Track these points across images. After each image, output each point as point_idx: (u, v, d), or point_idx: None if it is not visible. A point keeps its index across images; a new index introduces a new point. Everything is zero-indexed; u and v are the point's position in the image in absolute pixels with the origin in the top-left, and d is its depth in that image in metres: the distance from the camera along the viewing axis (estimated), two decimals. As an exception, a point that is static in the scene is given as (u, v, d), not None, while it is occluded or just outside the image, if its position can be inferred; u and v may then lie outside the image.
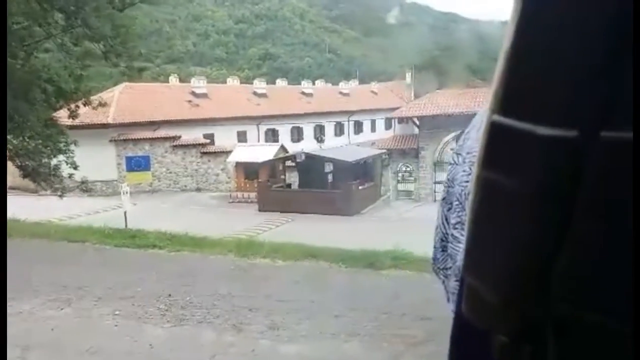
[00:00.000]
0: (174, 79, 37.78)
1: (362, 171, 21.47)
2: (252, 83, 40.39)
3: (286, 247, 7.74)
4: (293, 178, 22.73)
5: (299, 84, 44.05)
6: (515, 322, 0.38)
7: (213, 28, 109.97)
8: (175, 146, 28.10)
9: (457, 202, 0.66)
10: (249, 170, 23.02)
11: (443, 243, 0.73)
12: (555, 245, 0.35)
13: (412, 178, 27.21)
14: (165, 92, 34.64)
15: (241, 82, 41.10)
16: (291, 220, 18.93)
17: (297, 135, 38.21)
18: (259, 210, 20.93)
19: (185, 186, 28.19)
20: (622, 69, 0.33)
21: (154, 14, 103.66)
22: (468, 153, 0.66)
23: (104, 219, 13.12)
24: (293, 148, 34.60)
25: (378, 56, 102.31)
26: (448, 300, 0.70)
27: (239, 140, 33.43)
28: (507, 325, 0.39)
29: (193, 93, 35.43)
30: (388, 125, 40.80)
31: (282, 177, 21.75)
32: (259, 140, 34.84)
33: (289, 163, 22.31)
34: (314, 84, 45.46)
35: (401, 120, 27.30)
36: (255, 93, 38.31)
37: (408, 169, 27.62)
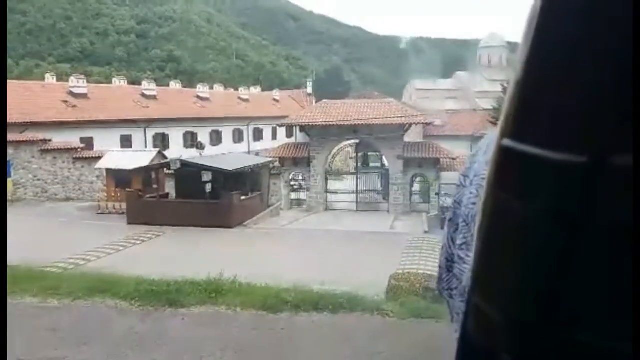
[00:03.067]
0: (50, 78, 34.02)
1: (246, 180, 20.03)
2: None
3: (80, 279, 6.12)
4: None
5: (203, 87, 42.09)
6: (521, 343, 0.38)
7: (113, 27, 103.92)
8: (44, 150, 24.91)
9: (463, 224, 0.67)
10: (120, 179, 20.72)
11: (448, 263, 0.70)
12: (563, 268, 0.35)
13: (304, 187, 26.31)
14: (38, 91, 31.01)
15: (136, 84, 38.18)
16: (160, 235, 17.03)
17: (190, 140, 36.00)
18: (128, 223, 18.77)
19: (55, 195, 25.08)
20: (630, 97, 0.34)
21: (48, 8, 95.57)
22: (475, 176, 0.66)
23: None
24: (186, 154, 32.63)
25: (286, 64, 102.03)
26: (452, 320, 0.69)
27: (123, 146, 30.74)
28: (512, 345, 0.38)
29: (71, 93, 32.09)
30: (290, 133, 39.91)
31: (155, 186, 19.72)
32: (146, 146, 32.25)
33: (170, 171, 20.31)
34: (211, 88, 43.42)
35: (302, 128, 26.30)
36: (143, 95, 35.60)
37: (300, 178, 26.67)
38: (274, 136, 42.52)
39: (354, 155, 38.82)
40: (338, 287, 11.74)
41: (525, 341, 0.37)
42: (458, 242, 0.68)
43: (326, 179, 29.39)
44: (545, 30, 0.37)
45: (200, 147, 21.06)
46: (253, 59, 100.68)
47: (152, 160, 20.80)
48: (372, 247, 15.93)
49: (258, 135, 41.83)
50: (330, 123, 23.95)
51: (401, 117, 23.56)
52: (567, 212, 0.35)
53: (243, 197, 19.25)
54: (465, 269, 0.62)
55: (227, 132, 39.52)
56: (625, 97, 0.34)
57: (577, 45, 0.35)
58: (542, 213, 0.36)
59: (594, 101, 0.35)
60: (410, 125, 24.70)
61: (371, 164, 37.70)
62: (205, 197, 18.22)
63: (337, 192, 26.97)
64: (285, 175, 25.67)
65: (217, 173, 18.27)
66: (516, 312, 0.37)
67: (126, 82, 37.55)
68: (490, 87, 46.95)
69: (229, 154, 22.38)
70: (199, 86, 40.33)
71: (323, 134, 24.84)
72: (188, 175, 18.49)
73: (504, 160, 0.39)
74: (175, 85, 40.39)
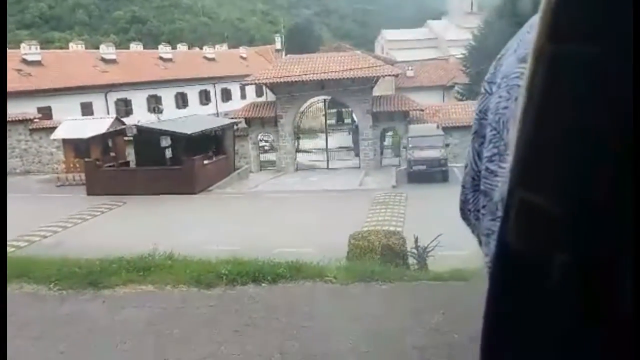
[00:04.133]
0: (1, 44, 32.09)
1: (210, 144, 19.40)
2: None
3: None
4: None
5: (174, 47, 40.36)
6: (585, 238, 0.34)
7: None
8: (-4, 123, 23.67)
9: (493, 132, 0.60)
10: (78, 148, 19.87)
11: (475, 182, 0.66)
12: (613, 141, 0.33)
13: (272, 148, 25.76)
14: (-13, 59, 29.29)
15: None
16: (120, 205, 16.49)
17: (155, 104, 34.78)
18: (88, 194, 18.13)
19: (14, 169, 24.08)
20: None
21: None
22: (504, 77, 0.60)
23: None
24: (152, 118, 31.57)
25: (255, 20, 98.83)
26: (480, 243, 0.64)
27: (84, 113, 29.51)
28: (574, 242, 0.35)
29: (24, 61, 30.42)
30: (260, 92, 38.83)
31: (113, 154, 18.97)
32: (107, 112, 31.04)
33: (129, 138, 19.51)
34: (174, 48, 41.77)
35: (269, 86, 25.40)
36: (103, 59, 34.01)
37: (268, 138, 26.06)
38: (243, 96, 41.36)
39: (327, 112, 38.36)
40: (298, 251, 11.52)
41: (590, 235, 0.34)
42: (487, 154, 0.59)
43: (298, 138, 28.86)
44: None
45: (157, 110, 20.20)
46: (220, 16, 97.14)
47: (110, 127, 19.93)
48: (339, 205, 15.67)
49: (226, 95, 40.64)
50: (295, 79, 23.16)
51: (368, 69, 22.88)
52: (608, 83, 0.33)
53: (206, 161, 18.68)
54: (498, 181, 0.55)
55: (193, 93, 38.28)
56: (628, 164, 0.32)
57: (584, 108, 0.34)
58: (596, 99, 0.34)
59: (598, 158, 0.34)
60: (379, 78, 24.07)
61: (345, 120, 37.12)
62: (166, 163, 17.59)
63: (307, 151, 26.49)
64: (252, 137, 25.00)
65: (177, 137, 17.59)
66: (582, 199, 0.34)
67: (84, 46, 35.76)
68: (462, 34, 46.07)
69: (189, 117, 21.57)
70: (160, 47, 38.65)
71: (289, 91, 24.06)
72: (146, 141, 17.78)
73: (548, 63, 0.37)
74: (136, 47, 38.66)
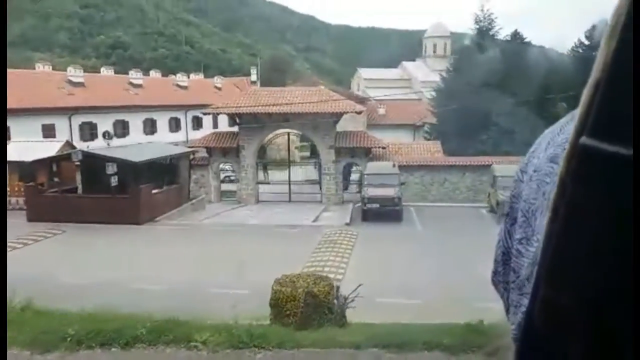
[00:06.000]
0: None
1: (162, 172, 18.81)
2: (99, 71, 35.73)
3: None
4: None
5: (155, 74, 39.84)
6: (593, 329, 0.39)
7: (54, 11, 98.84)
8: (-54, 141, 22.79)
9: (523, 218, 0.68)
10: (25, 172, 19.09)
11: (504, 257, 0.74)
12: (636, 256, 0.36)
13: (234, 178, 25.26)
14: (-53, 76, 28.47)
15: (86, 72, 35.84)
16: (58, 234, 15.75)
17: (121, 129, 34.16)
18: (28, 220, 17.31)
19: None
20: None
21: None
22: (535, 171, 0.67)
23: None
24: (117, 143, 30.92)
25: (238, 52, 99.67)
26: (507, 313, 0.71)
27: (45, 135, 28.72)
28: (584, 331, 0.39)
29: (-14, 79, 29.68)
30: (233, 122, 38.51)
31: (57, 179, 18.23)
32: (71, 135, 30.28)
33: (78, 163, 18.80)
34: (147, 74, 41.44)
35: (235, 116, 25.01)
36: (70, 82, 33.43)
37: (230, 168, 25.59)
38: (215, 125, 40.97)
39: (299, 144, 38.03)
40: (231, 292, 10.93)
41: (598, 326, 0.38)
42: (517, 236, 0.68)
43: (265, 169, 28.45)
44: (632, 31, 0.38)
45: (108, 137, 19.61)
46: (203, 46, 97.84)
47: (60, 151, 19.25)
48: (287, 242, 15.14)
49: (197, 123, 40.21)
50: (258, 111, 22.92)
51: (326, 104, 22.79)
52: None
53: (156, 191, 18.05)
54: (524, 262, 0.63)
55: (162, 120, 37.82)
56: None
57: None
58: (622, 209, 0.37)
59: None
60: (342, 113, 23.97)
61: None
62: (111, 191, 16.91)
63: (269, 183, 26.05)
64: (214, 166, 24.52)
65: (124, 165, 16.97)
66: (590, 298, 0.38)
67: (51, 67, 35.17)
68: (433, 76, 46.86)
69: (142, 144, 21.04)
70: (131, 72, 38.26)
71: (253, 122, 23.79)
72: (92, 167, 17.16)
73: (581, 155, 0.40)
74: (106, 72, 38.21)
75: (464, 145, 29.49)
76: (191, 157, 21.69)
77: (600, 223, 0.38)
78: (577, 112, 0.42)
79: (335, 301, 9.03)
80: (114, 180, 16.79)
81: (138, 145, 20.44)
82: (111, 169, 16.58)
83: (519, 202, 0.71)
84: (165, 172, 19.18)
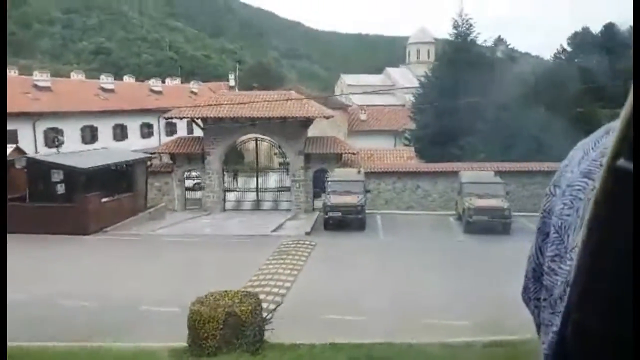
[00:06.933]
0: None
1: (115, 180, 17.81)
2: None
3: None
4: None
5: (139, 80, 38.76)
6: (625, 356, 0.39)
7: (35, 17, 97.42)
8: None
9: (555, 235, 0.67)
10: (-31, 179, 17.97)
11: (536, 273, 0.73)
12: None
13: (199, 185, 24.27)
14: None
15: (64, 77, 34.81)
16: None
17: (90, 135, 33.06)
18: (-34, 231, 16.17)
19: None
20: None
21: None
22: (569, 186, 0.67)
23: None
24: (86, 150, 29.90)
25: (222, 57, 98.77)
26: (538, 329, 0.71)
27: (8, 142, 27.65)
28: (616, 357, 0.40)
29: (-55, 82, 28.53)
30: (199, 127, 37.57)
31: (-2, 187, 17.13)
32: (35, 141, 29.20)
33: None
34: (121, 79, 40.44)
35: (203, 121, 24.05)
36: (35, 86, 32.30)
37: (194, 175, 24.60)
38: (190, 130, 40.01)
39: (278, 150, 37.13)
40: (164, 310, 10.01)
41: (627, 352, 0.39)
42: (549, 253, 0.65)
43: (235, 175, 27.48)
44: None
45: (57, 142, 18.61)
46: (187, 51, 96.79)
47: (10, 157, 18.16)
48: (238, 254, 14.21)
49: (171, 129, 39.18)
50: (221, 114, 22.02)
51: (292, 108, 21.98)
52: None
53: (106, 199, 17.04)
54: (557, 280, 0.61)
55: (134, 126, 36.74)
56: None
57: None
58: None
59: None
60: (311, 119, 23.15)
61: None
62: (57, 200, 15.90)
63: (237, 190, 25.11)
64: (178, 173, 23.53)
65: (71, 172, 15.98)
66: (618, 328, 0.39)
67: (17, 72, 34.03)
68: (417, 82, 46.31)
69: (95, 150, 20.04)
70: (102, 77, 37.21)
71: (218, 128, 22.87)
72: (38, 174, 16.18)
73: (617, 178, 0.40)
74: (77, 76, 37.11)
75: (442, 151, 28.80)
76: (149, 163, 20.65)
77: (634, 247, 0.38)
78: (613, 127, 0.41)
79: (265, 321, 8.13)
80: (60, 188, 15.80)
81: (90, 151, 19.45)
82: (57, 176, 15.60)
83: (551, 217, 0.67)
84: (118, 179, 18.20)
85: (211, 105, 22.91)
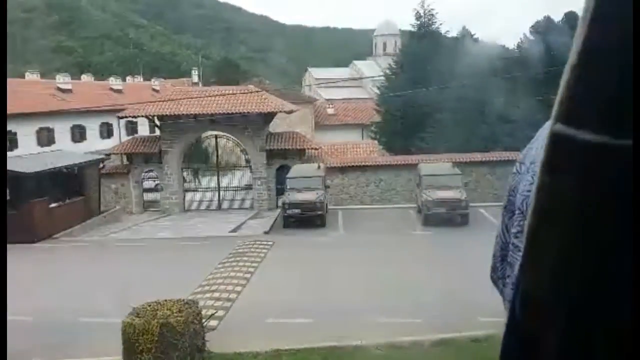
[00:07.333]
0: None
1: (62, 183, 17.06)
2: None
3: None
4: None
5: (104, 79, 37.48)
6: (566, 324, 0.40)
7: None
8: None
9: (518, 211, 0.70)
10: None
11: (503, 252, 0.75)
12: (612, 250, 0.37)
13: (157, 186, 23.58)
14: None
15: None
16: None
17: (46, 137, 31.86)
18: None
19: None
20: None
21: None
22: (532, 163, 0.69)
23: None
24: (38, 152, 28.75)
25: (188, 54, 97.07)
26: (505, 308, 0.69)
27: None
28: (558, 326, 0.40)
29: None
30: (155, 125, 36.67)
31: None
32: (-15, 146, 27.93)
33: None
34: (78, 78, 39.16)
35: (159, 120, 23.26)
36: (-14, 87, 30.92)
37: (153, 176, 23.89)
38: (153, 129, 39.06)
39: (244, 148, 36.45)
40: (102, 320, 9.50)
41: (571, 322, 0.39)
42: (513, 230, 0.69)
43: (196, 175, 26.79)
44: (602, 17, 0.38)
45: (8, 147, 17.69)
46: (152, 48, 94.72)
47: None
48: (190, 258, 13.68)
49: (132, 129, 38.12)
50: (179, 113, 21.39)
51: (250, 104, 21.52)
52: (617, 194, 0.36)
53: (55, 204, 16.31)
54: (519, 256, 0.63)
55: (93, 126, 35.63)
56: None
57: (630, 31, 0.36)
58: (592, 195, 0.37)
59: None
60: (274, 114, 22.70)
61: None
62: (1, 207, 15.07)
63: (198, 190, 24.50)
64: (135, 174, 22.80)
65: (17, 177, 15.18)
66: (564, 293, 0.39)
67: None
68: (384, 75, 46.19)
69: (42, 153, 19.23)
70: (58, 77, 35.90)
71: (175, 126, 22.23)
72: (-22, 180, 15.23)
73: (555, 144, 0.40)
74: (31, 76, 35.74)
75: (407, 143, 28.72)
76: (101, 165, 19.90)
77: (575, 216, 0.38)
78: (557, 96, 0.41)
79: (203, 331, 7.74)
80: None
81: (38, 155, 18.64)
82: None
83: (516, 195, 0.69)
84: (68, 183, 17.45)
85: (166, 101, 22.23)
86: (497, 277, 0.74)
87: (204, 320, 7.62)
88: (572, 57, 0.40)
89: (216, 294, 10.52)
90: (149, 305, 7.98)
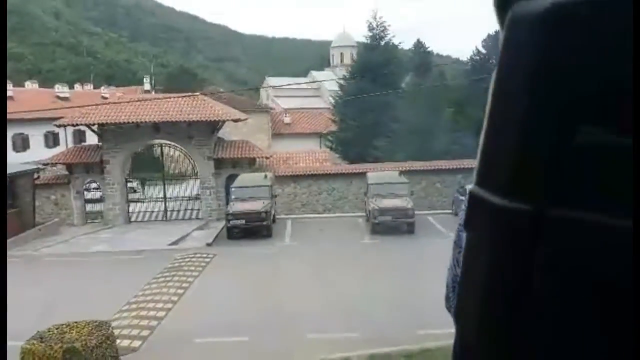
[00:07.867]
0: None
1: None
2: None
3: None
4: None
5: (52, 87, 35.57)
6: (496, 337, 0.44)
7: None
8: None
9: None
10: None
11: (454, 284, 0.78)
12: (515, 301, 0.40)
13: (99, 197, 22.49)
14: None
15: None
16: None
17: (-17, 148, 30.09)
18: None
19: None
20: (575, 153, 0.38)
21: None
22: None
23: None
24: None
25: (144, 62, 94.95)
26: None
27: None
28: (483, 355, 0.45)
29: None
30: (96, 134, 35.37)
31: None
32: None
33: None
34: (24, 86, 37.41)
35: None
36: None
37: (94, 187, 22.78)
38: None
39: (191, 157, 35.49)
40: (9, 344, 8.64)
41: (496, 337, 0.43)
42: (460, 265, 0.65)
43: (142, 185, 25.75)
44: (503, 78, 0.41)
45: None
46: (107, 56, 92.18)
47: None
48: (123, 273, 12.86)
49: (79, 137, 36.60)
50: (120, 121, 20.49)
51: (196, 112, 20.87)
52: (517, 254, 0.39)
53: (-21, 217, 15.10)
54: None
55: (37, 135, 34.02)
56: (569, 153, 0.38)
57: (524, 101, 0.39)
58: (499, 252, 0.40)
59: (537, 156, 0.38)
60: (222, 123, 22.05)
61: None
62: None
63: (144, 201, 23.51)
64: (76, 184, 21.66)
65: None
66: (475, 337, 0.44)
67: None
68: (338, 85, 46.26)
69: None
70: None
71: (117, 134, 21.29)
72: None
73: (470, 204, 0.44)
74: (-31, 82, 33.82)
75: (362, 152, 28.65)
76: (36, 175, 18.77)
77: (487, 271, 0.42)
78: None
79: (117, 355, 7.08)
80: None
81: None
82: None
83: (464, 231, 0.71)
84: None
85: (107, 106, 21.30)
86: (449, 305, 0.76)
87: (117, 342, 6.94)
88: (484, 124, 0.43)
89: (143, 312, 9.82)
90: (57, 328, 7.28)
